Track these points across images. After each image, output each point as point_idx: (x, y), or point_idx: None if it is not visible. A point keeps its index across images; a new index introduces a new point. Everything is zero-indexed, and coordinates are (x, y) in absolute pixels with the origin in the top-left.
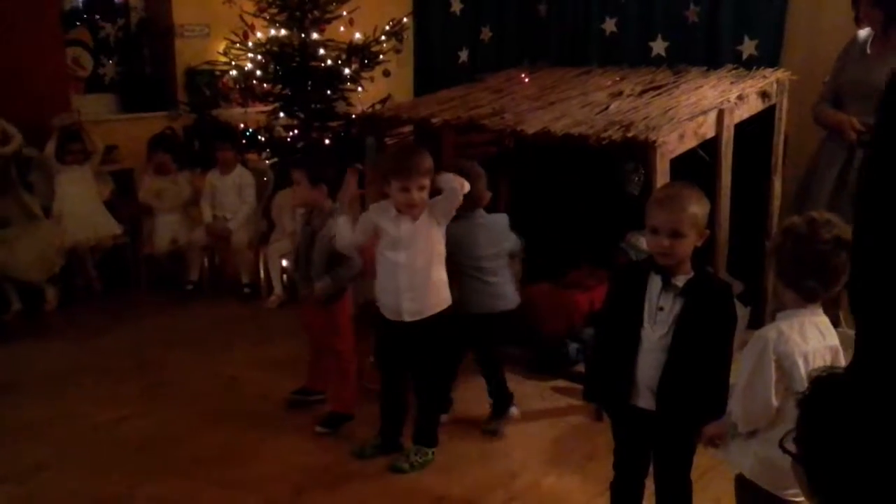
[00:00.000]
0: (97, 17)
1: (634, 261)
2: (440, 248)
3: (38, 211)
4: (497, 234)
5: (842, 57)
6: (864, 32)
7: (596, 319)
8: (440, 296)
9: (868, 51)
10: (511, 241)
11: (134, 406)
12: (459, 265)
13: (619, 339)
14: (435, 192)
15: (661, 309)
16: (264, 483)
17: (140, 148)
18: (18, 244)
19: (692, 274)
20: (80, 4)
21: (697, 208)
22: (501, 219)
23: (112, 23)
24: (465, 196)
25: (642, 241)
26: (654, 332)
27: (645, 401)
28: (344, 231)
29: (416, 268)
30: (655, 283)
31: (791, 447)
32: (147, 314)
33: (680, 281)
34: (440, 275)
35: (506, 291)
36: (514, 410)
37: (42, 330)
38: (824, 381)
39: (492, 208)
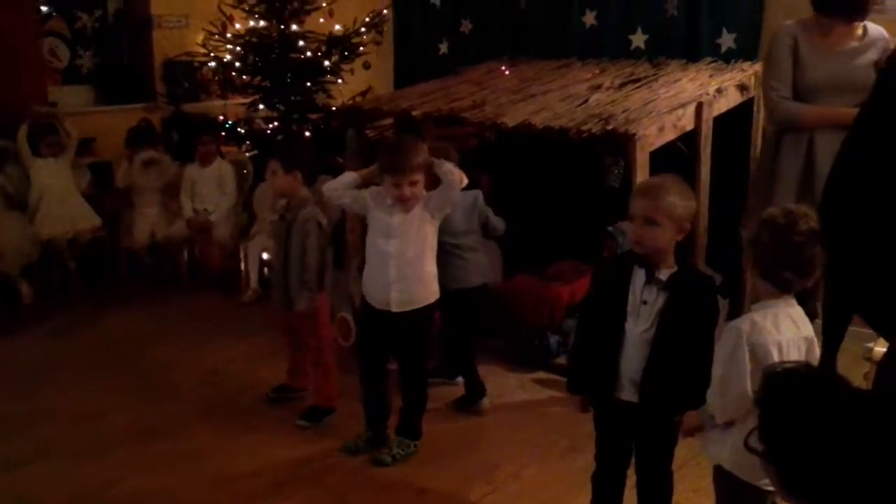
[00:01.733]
0: (74, 7)
1: (619, 254)
2: (433, 242)
3: (13, 203)
4: (470, 210)
5: (786, 52)
6: (795, 26)
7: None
8: (429, 289)
9: (836, 47)
10: (490, 217)
11: (115, 400)
12: (439, 243)
13: (603, 332)
14: (434, 180)
15: (645, 303)
16: (244, 476)
17: (118, 140)
18: None
19: (676, 268)
20: None
21: (677, 199)
22: (472, 194)
23: (89, 13)
24: None
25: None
26: (638, 326)
27: (628, 393)
28: (344, 180)
29: (405, 258)
30: (639, 276)
31: (756, 445)
32: (127, 308)
33: (664, 275)
34: (430, 268)
35: (482, 265)
36: (485, 402)
37: (20, 324)
38: (779, 377)
39: None
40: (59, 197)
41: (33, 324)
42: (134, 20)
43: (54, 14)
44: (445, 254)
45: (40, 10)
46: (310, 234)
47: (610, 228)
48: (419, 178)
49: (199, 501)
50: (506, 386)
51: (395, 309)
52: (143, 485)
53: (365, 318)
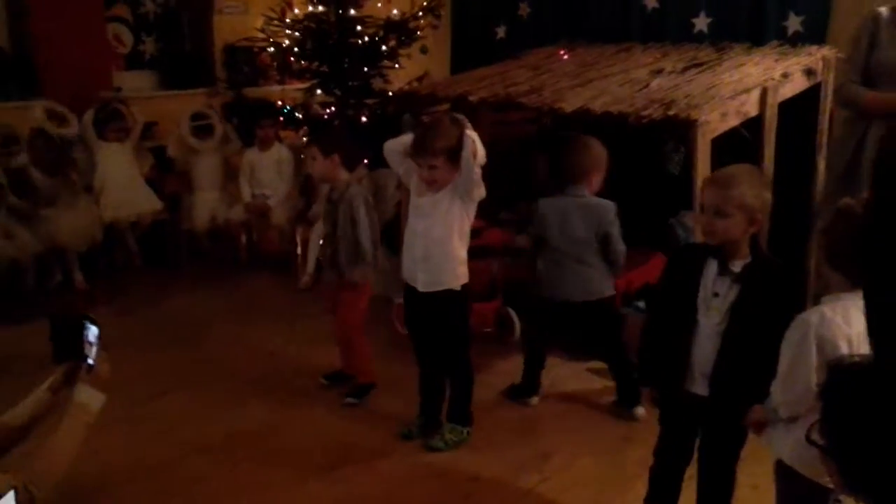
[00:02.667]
0: None
1: (691, 244)
2: (462, 225)
3: (80, 187)
4: (590, 219)
5: (865, 36)
6: (885, 11)
7: (648, 300)
8: (454, 272)
9: None
10: (613, 237)
11: (174, 380)
12: (550, 247)
13: (674, 324)
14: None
15: (717, 295)
16: (299, 457)
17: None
18: (61, 219)
19: (750, 259)
20: None
21: (748, 189)
22: (596, 203)
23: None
24: (557, 168)
25: (691, 219)
26: (709, 318)
27: (699, 386)
28: (402, 139)
29: (431, 238)
30: (711, 267)
31: (818, 439)
32: (187, 289)
33: (737, 266)
34: (457, 251)
35: (587, 280)
36: (640, 410)
37: (79, 305)
38: (843, 369)
39: (528, 186)
40: (123, 181)
41: (96, 304)
42: (195, 6)
43: (118, 0)
44: (554, 259)
45: None
46: (357, 208)
47: (671, 220)
48: (440, 161)
49: (255, 480)
50: (559, 375)
51: (421, 288)
52: (202, 463)
53: (405, 297)
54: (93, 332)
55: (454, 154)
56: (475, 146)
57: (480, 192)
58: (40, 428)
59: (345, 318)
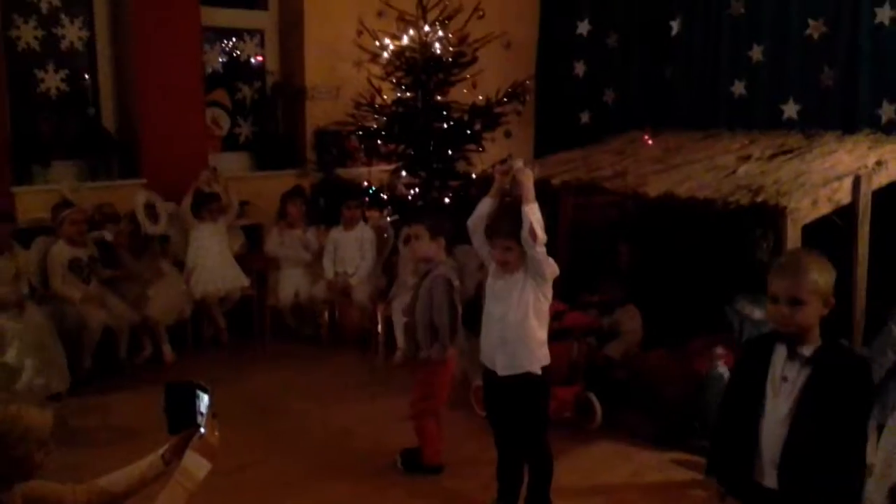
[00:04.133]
0: (236, 79)
1: (761, 334)
2: (538, 306)
3: (169, 269)
4: None
5: None
6: None
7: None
8: (533, 355)
9: None
10: None
11: (254, 454)
12: None
13: (742, 411)
14: None
15: (786, 379)
16: None
17: (270, 204)
18: (149, 294)
19: (820, 343)
20: (221, 69)
21: (818, 275)
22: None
23: (249, 85)
24: None
25: (751, 308)
26: (778, 405)
27: (769, 478)
28: (481, 208)
29: (507, 322)
30: (780, 352)
31: None
32: (269, 364)
33: (807, 350)
34: (535, 333)
35: None
36: None
37: (167, 376)
38: None
39: (611, 271)
40: (214, 258)
41: (182, 376)
42: (289, 92)
43: (218, 86)
44: None
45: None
46: (438, 287)
47: (727, 307)
48: (512, 244)
49: None
50: (643, 465)
51: (499, 372)
52: None
53: (484, 379)
54: (204, 401)
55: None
56: (535, 226)
57: (552, 269)
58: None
59: (415, 396)
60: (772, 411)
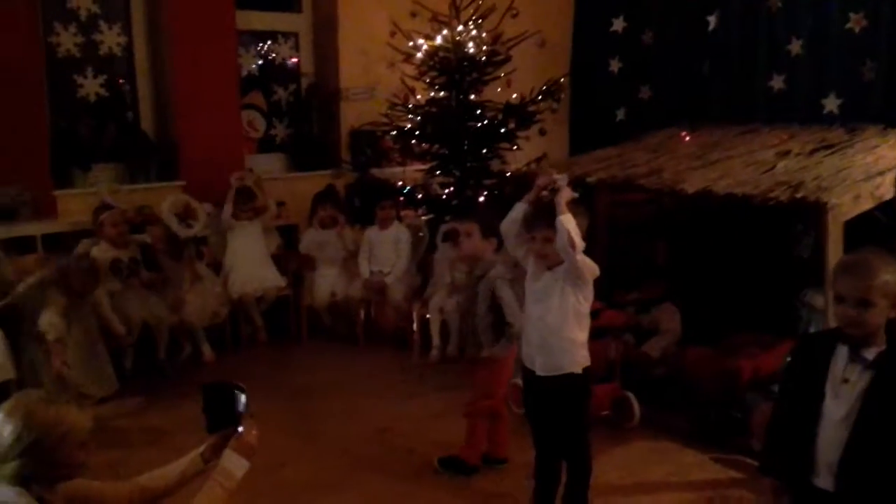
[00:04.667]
0: (271, 82)
1: (819, 332)
2: (578, 307)
3: (205, 272)
4: None
5: None
6: None
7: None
8: (573, 357)
9: None
10: None
11: (292, 452)
12: None
13: (800, 411)
14: None
15: (846, 381)
16: None
17: (305, 205)
18: (187, 297)
19: (885, 346)
20: (256, 71)
21: (889, 276)
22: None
23: (284, 88)
24: None
25: (818, 300)
26: (837, 407)
27: (825, 480)
28: (516, 216)
29: (547, 324)
30: (842, 354)
31: None
32: (306, 364)
33: (870, 353)
34: (575, 335)
35: None
36: None
37: (206, 376)
38: None
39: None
40: (251, 258)
41: (220, 375)
42: (324, 93)
43: (254, 88)
44: None
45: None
46: (502, 286)
47: (795, 301)
48: (552, 234)
49: None
50: (682, 464)
51: (539, 372)
52: None
53: (524, 379)
54: (241, 400)
55: (583, 233)
56: (572, 234)
57: (591, 272)
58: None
59: (475, 394)
60: (830, 413)
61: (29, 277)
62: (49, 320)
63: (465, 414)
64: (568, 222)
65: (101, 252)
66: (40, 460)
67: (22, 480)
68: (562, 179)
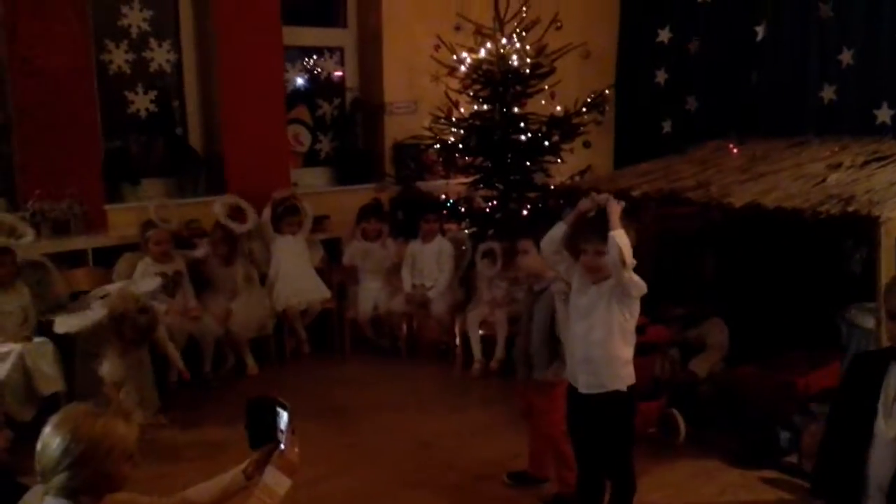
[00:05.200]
0: (317, 97)
1: (873, 350)
2: (623, 324)
3: (255, 275)
4: None
5: None
6: None
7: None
8: (617, 374)
9: None
10: None
11: (332, 466)
12: None
13: (850, 431)
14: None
15: None
16: None
17: (349, 218)
18: (234, 308)
19: None
20: (302, 86)
21: None
22: None
23: (329, 102)
24: None
25: (864, 319)
26: (890, 427)
27: (876, 502)
28: (557, 234)
29: (591, 340)
30: (894, 372)
31: None
32: (349, 377)
33: None
34: (620, 352)
35: None
36: None
37: (250, 389)
38: None
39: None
40: (296, 271)
41: (262, 389)
42: (368, 107)
43: (299, 103)
44: None
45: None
46: (559, 303)
47: (838, 319)
48: (605, 248)
49: None
50: (728, 483)
51: (582, 389)
52: None
53: (568, 397)
54: (283, 418)
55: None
56: (624, 251)
57: (640, 289)
58: None
59: (547, 428)
60: (882, 433)
61: (86, 316)
62: (108, 370)
63: (530, 446)
64: (620, 238)
65: (146, 266)
66: (87, 473)
67: (70, 493)
68: (605, 198)
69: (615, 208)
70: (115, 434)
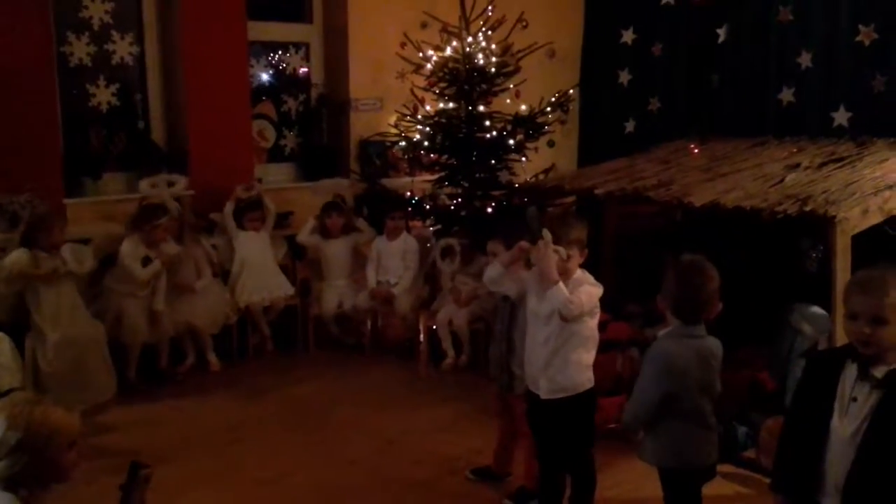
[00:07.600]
0: (282, 92)
1: (830, 349)
2: (584, 331)
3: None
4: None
5: None
6: None
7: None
8: (577, 380)
9: None
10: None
11: (296, 462)
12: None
13: (807, 429)
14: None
15: (855, 400)
16: None
17: (314, 214)
18: (197, 301)
19: (895, 365)
20: (267, 81)
21: None
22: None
23: (294, 98)
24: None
25: (802, 323)
26: (844, 425)
27: (832, 500)
28: (493, 273)
29: (550, 346)
30: (851, 371)
31: None
32: (312, 373)
33: (879, 371)
34: (581, 357)
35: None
36: None
37: (212, 386)
38: None
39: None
40: (258, 267)
41: (225, 386)
42: (334, 104)
43: (263, 98)
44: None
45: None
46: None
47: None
48: (573, 252)
49: None
50: None
51: (543, 395)
52: None
53: (528, 400)
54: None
55: (583, 246)
56: (561, 309)
57: (592, 306)
58: None
59: (524, 429)
60: (837, 432)
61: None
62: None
63: (499, 443)
64: (554, 296)
65: (135, 247)
66: (27, 462)
67: (10, 483)
68: (544, 246)
69: (548, 263)
70: (55, 422)
